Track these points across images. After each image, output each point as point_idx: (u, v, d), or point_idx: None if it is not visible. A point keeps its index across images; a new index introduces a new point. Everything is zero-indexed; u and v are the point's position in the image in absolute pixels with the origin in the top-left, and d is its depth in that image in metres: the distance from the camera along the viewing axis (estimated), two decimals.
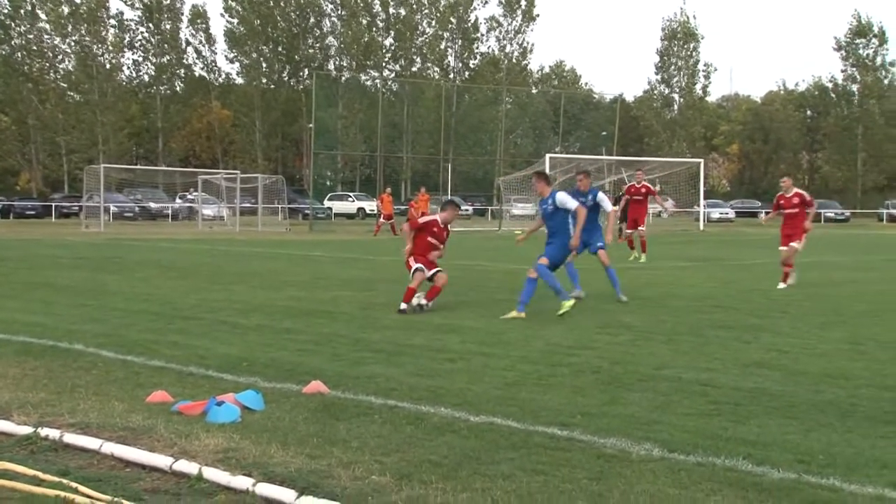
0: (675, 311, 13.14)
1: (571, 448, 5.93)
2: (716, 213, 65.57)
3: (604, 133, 75.03)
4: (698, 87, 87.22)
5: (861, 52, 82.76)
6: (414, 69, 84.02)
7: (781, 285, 16.20)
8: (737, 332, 11.01)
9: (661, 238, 38.96)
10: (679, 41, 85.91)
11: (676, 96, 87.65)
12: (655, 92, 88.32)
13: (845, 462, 5.63)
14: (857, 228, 57.84)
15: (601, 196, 14.63)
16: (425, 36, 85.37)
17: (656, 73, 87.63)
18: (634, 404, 7.19)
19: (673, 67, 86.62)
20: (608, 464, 5.60)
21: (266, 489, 5.03)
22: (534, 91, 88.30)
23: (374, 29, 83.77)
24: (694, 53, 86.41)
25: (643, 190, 25.36)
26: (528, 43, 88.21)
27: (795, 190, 16.97)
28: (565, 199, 12.64)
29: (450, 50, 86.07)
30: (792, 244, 16.53)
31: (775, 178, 17.03)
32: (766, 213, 17.01)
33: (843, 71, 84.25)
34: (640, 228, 24.89)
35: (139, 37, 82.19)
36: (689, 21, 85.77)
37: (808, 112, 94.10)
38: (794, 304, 13.93)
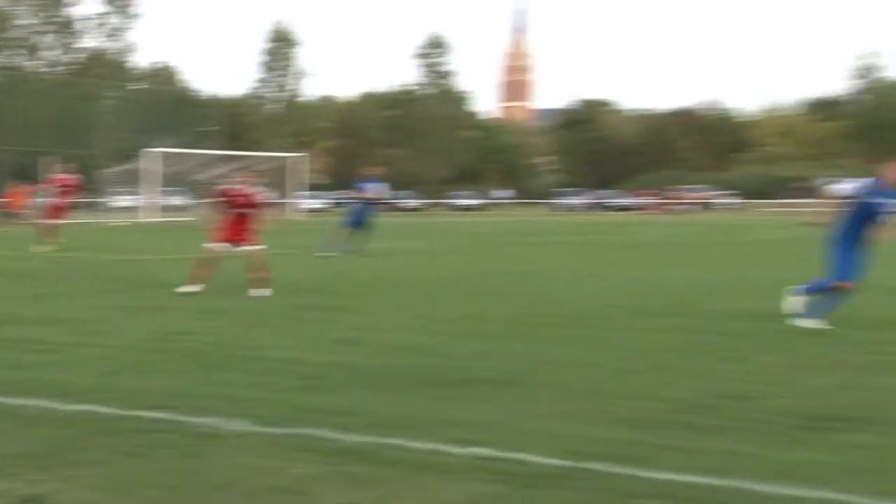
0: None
1: (167, 429, 5.81)
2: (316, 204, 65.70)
3: (205, 130, 73.58)
4: (296, 87, 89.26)
5: (432, 60, 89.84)
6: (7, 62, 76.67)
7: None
8: (324, 314, 11.30)
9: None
10: (281, 45, 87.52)
11: (276, 95, 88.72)
12: (258, 91, 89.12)
13: (418, 423, 6.01)
14: (431, 217, 61.78)
15: None
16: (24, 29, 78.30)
17: (260, 74, 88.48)
18: (231, 384, 7.19)
19: (275, 70, 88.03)
20: (203, 442, 5.57)
21: None
22: (130, 88, 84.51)
23: None
24: (292, 58, 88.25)
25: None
26: (129, 41, 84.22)
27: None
28: None
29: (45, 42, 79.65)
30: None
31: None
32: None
33: (420, 78, 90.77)
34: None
35: None
36: (289, 30, 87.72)
37: (392, 112, 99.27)
38: (373, 287, 14.57)
